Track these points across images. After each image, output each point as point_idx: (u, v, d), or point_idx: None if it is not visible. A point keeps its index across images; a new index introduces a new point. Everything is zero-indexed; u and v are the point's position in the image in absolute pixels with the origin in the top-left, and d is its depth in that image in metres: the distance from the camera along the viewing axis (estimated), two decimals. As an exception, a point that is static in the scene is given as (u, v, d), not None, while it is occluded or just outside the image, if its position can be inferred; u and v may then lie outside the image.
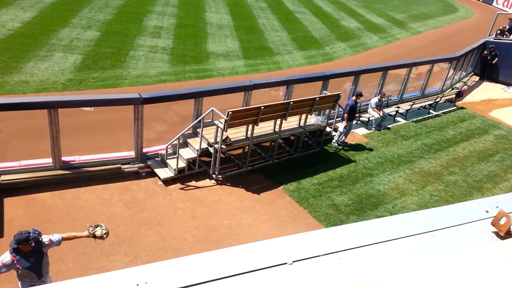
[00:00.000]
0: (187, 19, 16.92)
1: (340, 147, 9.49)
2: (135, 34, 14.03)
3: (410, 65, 11.70)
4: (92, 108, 7.51)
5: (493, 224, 1.42)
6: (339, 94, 9.13)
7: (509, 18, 18.76)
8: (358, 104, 9.78)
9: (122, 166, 7.48)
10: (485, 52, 15.37)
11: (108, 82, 10.55)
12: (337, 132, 9.61)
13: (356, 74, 10.68)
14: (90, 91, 9.85)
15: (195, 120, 7.90)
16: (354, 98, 9.43)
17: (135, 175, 7.38)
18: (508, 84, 15.32)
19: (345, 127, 9.39)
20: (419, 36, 21.21)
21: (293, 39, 17.03)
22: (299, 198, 7.31)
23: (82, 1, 16.35)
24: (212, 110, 7.64)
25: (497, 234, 1.40)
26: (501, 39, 15.81)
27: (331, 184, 7.89)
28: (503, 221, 1.38)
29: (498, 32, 16.16)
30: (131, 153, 7.73)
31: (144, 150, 7.81)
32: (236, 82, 9.85)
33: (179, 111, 9.45)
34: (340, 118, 9.88)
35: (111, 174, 7.33)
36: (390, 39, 19.69)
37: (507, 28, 16.81)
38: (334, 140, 9.58)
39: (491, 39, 15.79)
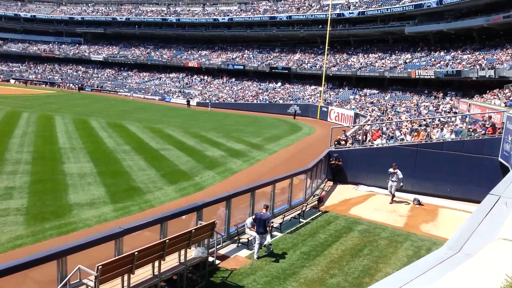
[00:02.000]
0: (44, 174, 15.91)
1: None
2: (-21, 199, 12.47)
3: (273, 182, 12.73)
4: None
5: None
6: (215, 221, 9.25)
7: (343, 130, 22.49)
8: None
9: None
10: (331, 160, 17.79)
11: None
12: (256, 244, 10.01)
13: (227, 198, 11.09)
14: None
15: (60, 284, 6.94)
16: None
17: None
18: (356, 184, 17.68)
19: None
20: (275, 155, 23.67)
21: (162, 175, 17.24)
22: None
23: None
24: (79, 268, 6.87)
25: None
26: (340, 148, 18.63)
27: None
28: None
29: (336, 142, 19.09)
30: None
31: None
32: (105, 231, 9.23)
33: (40, 277, 8.23)
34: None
35: None
36: (252, 161, 21.46)
37: (344, 138, 20.00)
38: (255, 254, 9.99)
39: (333, 149, 18.49)
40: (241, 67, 65.29)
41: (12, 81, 78.08)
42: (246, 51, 70.08)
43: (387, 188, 15.94)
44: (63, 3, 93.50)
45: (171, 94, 65.44)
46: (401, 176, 15.08)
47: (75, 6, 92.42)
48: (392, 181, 15.25)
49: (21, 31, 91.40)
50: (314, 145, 25.65)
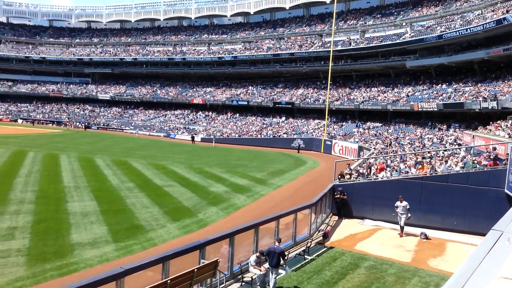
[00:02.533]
0: (47, 213, 15.87)
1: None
2: (-19, 240, 12.40)
3: (277, 218, 12.58)
4: None
5: None
6: (217, 260, 9.09)
7: (347, 164, 22.43)
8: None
9: None
10: (336, 194, 17.63)
11: None
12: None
13: (231, 235, 10.94)
14: None
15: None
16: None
17: None
18: (362, 218, 17.42)
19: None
20: (280, 189, 23.53)
21: (165, 212, 17.13)
22: None
23: None
24: (77, 311, 6.71)
25: None
26: (344, 181, 18.51)
27: None
28: None
29: (339, 176, 18.99)
30: None
31: None
32: (106, 271, 9.07)
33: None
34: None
35: None
36: (256, 196, 21.32)
37: (348, 171, 19.89)
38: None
39: (337, 182, 18.37)
40: (245, 103, 66.26)
41: (19, 121, 79.47)
42: (250, 87, 71.35)
43: (393, 222, 15.68)
44: (73, 45, 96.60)
45: (176, 131, 66.10)
46: (408, 206, 14.92)
47: (84, 47, 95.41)
48: (401, 213, 15.06)
49: (31, 72, 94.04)
50: (318, 179, 25.51)
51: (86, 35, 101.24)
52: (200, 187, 22.97)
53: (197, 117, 71.73)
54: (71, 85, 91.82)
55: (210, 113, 71.57)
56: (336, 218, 17.66)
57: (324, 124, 49.82)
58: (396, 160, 21.99)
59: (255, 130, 59.11)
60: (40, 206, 16.82)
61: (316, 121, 56.62)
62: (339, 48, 57.09)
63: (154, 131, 67.81)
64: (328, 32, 62.24)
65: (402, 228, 15.22)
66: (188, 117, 72.25)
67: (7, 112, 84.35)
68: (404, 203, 14.97)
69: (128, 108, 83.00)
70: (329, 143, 46.02)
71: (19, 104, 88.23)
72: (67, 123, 77.33)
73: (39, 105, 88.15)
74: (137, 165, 29.89)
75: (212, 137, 57.66)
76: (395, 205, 15.15)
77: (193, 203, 18.95)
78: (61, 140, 48.61)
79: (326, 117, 48.46)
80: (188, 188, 22.21)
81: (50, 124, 77.43)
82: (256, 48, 72.21)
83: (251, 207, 19.21)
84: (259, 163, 35.49)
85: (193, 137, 57.13)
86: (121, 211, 16.95)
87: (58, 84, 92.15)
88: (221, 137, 58.37)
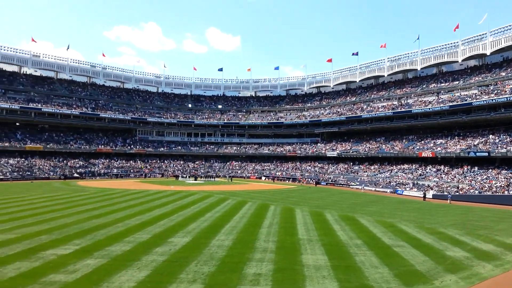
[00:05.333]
0: (284, 263, 17.51)
1: None
2: (235, 283, 14.65)
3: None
4: None
5: None
6: None
7: None
8: None
9: None
10: None
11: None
12: None
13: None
14: None
15: None
16: None
17: None
18: None
19: None
20: (542, 261, 18.83)
21: (395, 274, 16.23)
22: None
23: (190, 256, 18.21)
24: None
25: None
26: None
27: None
28: None
29: None
30: None
31: None
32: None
33: None
34: None
35: None
36: (507, 266, 17.74)
37: None
38: None
39: None
40: (485, 154, 57.83)
41: (263, 178, 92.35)
42: (491, 135, 62.32)
43: None
44: (305, 109, 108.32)
45: (403, 186, 63.08)
46: None
47: (314, 110, 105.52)
48: None
49: (272, 136, 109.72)
50: None
51: (316, 99, 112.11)
52: (434, 249, 20.84)
53: (426, 171, 66.78)
54: (304, 145, 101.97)
55: (442, 166, 65.45)
56: None
57: None
58: None
59: (501, 186, 50.29)
60: (279, 256, 18.72)
61: None
62: None
63: (380, 186, 66.64)
64: None
65: None
66: (416, 172, 68.11)
67: (254, 170, 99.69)
68: None
69: (354, 164, 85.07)
70: None
71: (263, 164, 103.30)
72: (300, 179, 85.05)
73: (278, 164, 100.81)
74: (364, 222, 29.76)
75: (445, 193, 52.18)
76: None
77: (427, 268, 17.29)
78: (295, 195, 53.62)
79: None
80: (420, 250, 20.50)
81: (287, 181, 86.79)
82: (495, 91, 63.38)
83: (501, 279, 16.04)
84: (508, 225, 29.67)
85: (424, 194, 53.12)
86: (350, 268, 17.05)
87: (294, 145, 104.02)
88: (457, 193, 52.13)
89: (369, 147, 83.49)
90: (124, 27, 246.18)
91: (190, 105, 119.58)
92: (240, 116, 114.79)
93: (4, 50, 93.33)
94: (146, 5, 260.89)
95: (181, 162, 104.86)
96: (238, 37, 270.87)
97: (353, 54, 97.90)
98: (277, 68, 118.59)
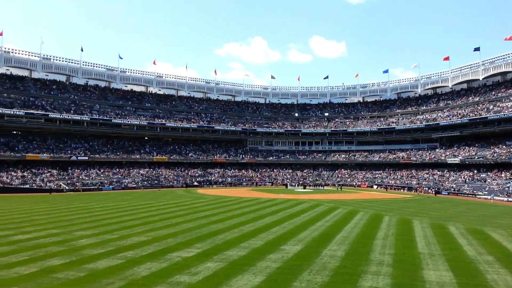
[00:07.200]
0: (403, 277, 16.46)
1: None
2: (351, 294, 14.27)
3: None
4: None
5: None
6: None
7: None
8: None
9: None
10: None
11: None
12: None
13: None
14: None
15: None
16: None
17: None
18: None
19: None
20: None
21: (539, 299, 14.09)
22: None
23: (302, 265, 18.28)
24: None
25: None
26: None
27: None
28: None
29: None
30: None
31: None
32: None
33: None
34: None
35: None
36: None
37: None
38: None
39: None
40: None
41: (374, 187, 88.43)
42: None
43: None
44: (420, 112, 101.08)
45: (545, 197, 54.46)
46: None
47: (430, 113, 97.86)
48: None
49: (382, 142, 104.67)
50: None
51: (432, 101, 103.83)
52: None
53: None
54: (420, 151, 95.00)
55: None
56: None
57: None
58: None
59: None
60: (397, 269, 17.66)
61: None
62: None
63: (515, 196, 58.59)
64: None
65: None
66: (562, 180, 58.34)
67: (364, 179, 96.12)
68: None
69: (480, 171, 76.41)
70: None
71: (373, 172, 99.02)
72: (417, 188, 79.34)
73: (391, 171, 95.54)
74: (496, 236, 26.43)
75: None
76: None
77: None
78: (412, 205, 50.14)
79: None
80: None
81: (402, 190, 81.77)
82: None
83: None
84: None
85: None
86: (480, 287, 15.31)
87: (408, 151, 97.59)
88: None
89: (498, 152, 74.11)
90: (233, 44, 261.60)
91: (296, 114, 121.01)
92: (347, 123, 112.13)
93: (134, 73, 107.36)
94: (253, 20, 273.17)
95: (290, 171, 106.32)
96: (343, 43, 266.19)
97: (474, 49, 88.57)
98: (386, 71, 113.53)
